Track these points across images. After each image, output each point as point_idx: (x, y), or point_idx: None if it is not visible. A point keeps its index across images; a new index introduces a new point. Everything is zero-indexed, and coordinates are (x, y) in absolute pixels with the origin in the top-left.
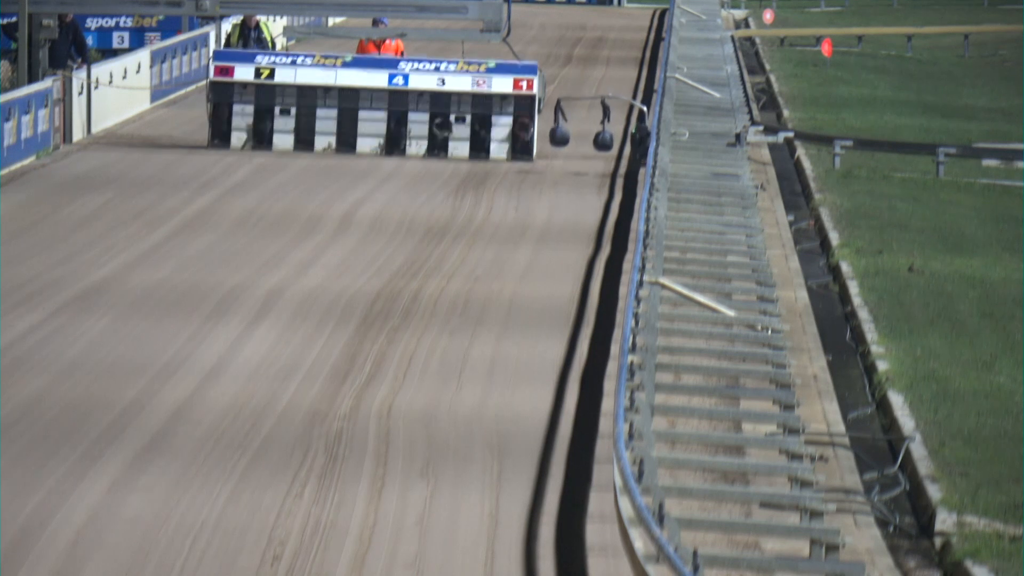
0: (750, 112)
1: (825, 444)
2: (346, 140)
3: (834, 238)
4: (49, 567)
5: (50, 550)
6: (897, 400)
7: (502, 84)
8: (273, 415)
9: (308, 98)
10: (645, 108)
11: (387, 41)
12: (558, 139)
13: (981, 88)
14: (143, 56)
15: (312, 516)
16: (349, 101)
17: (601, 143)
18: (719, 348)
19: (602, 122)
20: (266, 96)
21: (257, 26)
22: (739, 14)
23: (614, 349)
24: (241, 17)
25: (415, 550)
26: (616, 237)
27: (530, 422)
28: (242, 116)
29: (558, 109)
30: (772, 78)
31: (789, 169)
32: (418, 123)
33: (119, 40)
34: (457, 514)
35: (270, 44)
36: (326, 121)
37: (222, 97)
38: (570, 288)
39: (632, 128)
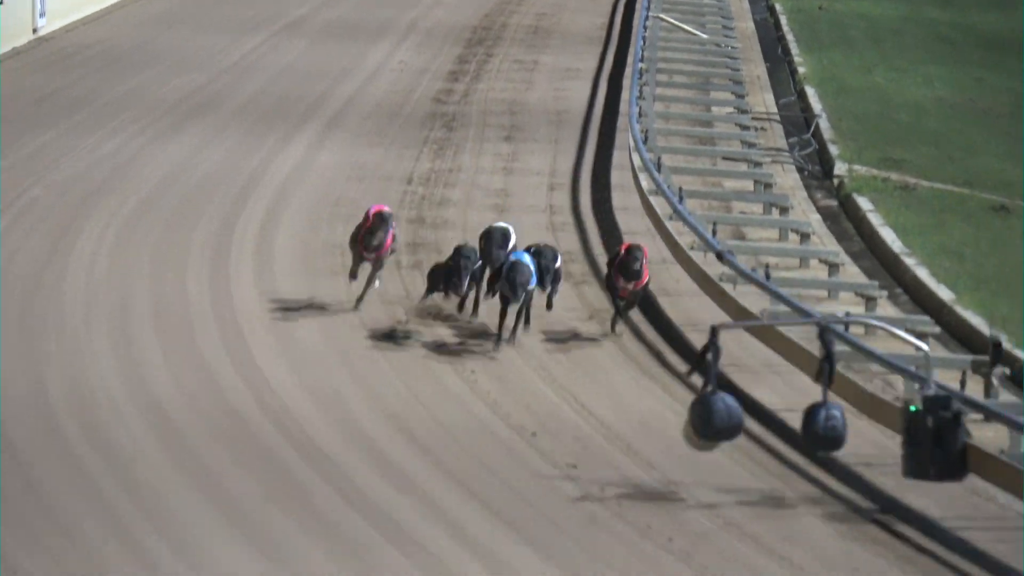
0: None
1: (764, 119)
2: None
3: None
4: (268, 199)
5: (268, 189)
6: (811, 92)
7: None
8: (411, 101)
9: None
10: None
11: None
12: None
13: None
14: None
15: (436, 164)
16: None
17: (826, 437)
18: (697, 59)
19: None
20: None
21: None
22: None
23: (629, 59)
24: None
25: (503, 184)
26: None
27: (576, 106)
28: None
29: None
30: None
31: None
32: None
33: None
34: (529, 164)
35: None
36: None
37: None
38: (601, 20)
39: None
